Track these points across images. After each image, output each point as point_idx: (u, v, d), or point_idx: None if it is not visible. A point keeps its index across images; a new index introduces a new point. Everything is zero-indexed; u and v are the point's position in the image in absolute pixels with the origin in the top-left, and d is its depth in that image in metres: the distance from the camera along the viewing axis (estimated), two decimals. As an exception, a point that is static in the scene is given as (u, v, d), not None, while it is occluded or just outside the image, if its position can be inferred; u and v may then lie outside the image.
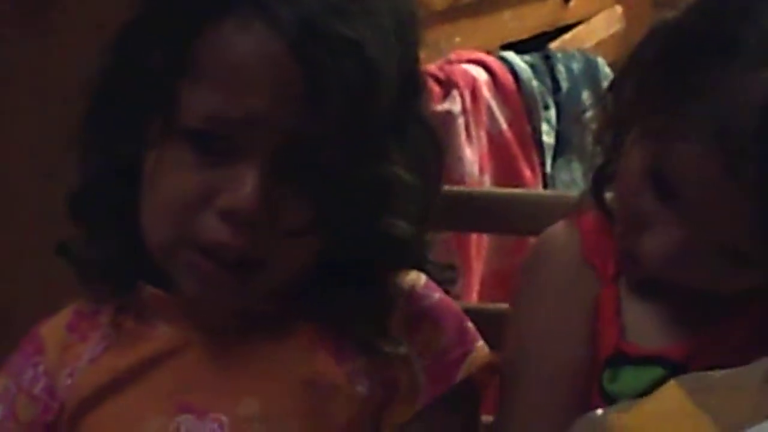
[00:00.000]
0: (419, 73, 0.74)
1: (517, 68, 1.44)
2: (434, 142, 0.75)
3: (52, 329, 0.78)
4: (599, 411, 0.57)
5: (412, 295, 0.79)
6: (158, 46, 0.69)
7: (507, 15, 1.63)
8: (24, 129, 1.32)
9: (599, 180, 0.81)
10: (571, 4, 1.82)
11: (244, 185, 0.66)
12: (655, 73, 0.75)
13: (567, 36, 1.73)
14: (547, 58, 1.57)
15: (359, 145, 0.67)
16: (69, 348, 0.77)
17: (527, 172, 1.42)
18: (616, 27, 1.94)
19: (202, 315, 0.75)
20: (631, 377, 0.78)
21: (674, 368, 0.75)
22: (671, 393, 0.54)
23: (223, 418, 0.74)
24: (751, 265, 0.72)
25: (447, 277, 0.81)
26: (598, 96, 1.39)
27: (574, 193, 0.96)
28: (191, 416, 0.75)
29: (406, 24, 0.71)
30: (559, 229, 0.84)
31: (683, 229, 0.72)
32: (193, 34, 0.67)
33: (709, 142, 0.68)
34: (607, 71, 1.62)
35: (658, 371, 0.76)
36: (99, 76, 0.73)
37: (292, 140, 0.67)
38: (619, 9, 1.95)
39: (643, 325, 0.79)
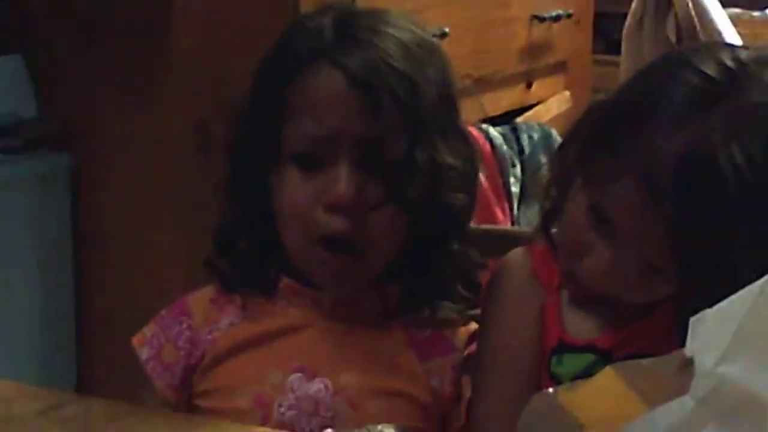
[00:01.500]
0: (455, 99, 0.91)
1: (492, 137, 1.60)
2: (469, 145, 0.91)
3: (198, 300, 0.95)
4: (550, 389, 0.61)
5: (472, 339, 0.94)
6: (263, 104, 0.87)
7: (485, 98, 1.82)
8: (141, 184, 1.66)
9: (547, 220, 0.94)
10: (532, 90, 2.07)
11: (339, 183, 0.80)
12: (595, 136, 0.89)
13: (529, 113, 1.94)
14: (515, 130, 1.73)
15: (412, 141, 0.83)
16: (210, 315, 0.94)
17: (500, 215, 1.57)
18: (565, 106, 2.13)
19: (323, 303, 0.90)
20: (570, 362, 0.93)
21: (602, 355, 0.90)
22: (607, 376, 0.58)
23: (327, 383, 0.89)
24: (664, 279, 0.84)
25: (482, 263, 0.96)
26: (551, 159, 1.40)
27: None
28: (302, 376, 0.90)
29: (438, 60, 0.89)
30: (514, 254, 0.97)
31: (614, 252, 0.85)
32: (285, 88, 0.84)
33: (637, 184, 0.81)
34: (558, 140, 1.68)
35: (590, 357, 0.92)
36: (229, 135, 0.92)
37: (362, 144, 0.82)
38: (567, 93, 2.17)
39: (579, 324, 0.94)
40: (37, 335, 1.72)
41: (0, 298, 1.61)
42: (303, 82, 0.86)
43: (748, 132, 0.87)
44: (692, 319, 0.52)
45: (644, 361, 0.58)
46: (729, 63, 0.89)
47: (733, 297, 0.50)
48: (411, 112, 0.85)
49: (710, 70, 0.88)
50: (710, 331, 0.50)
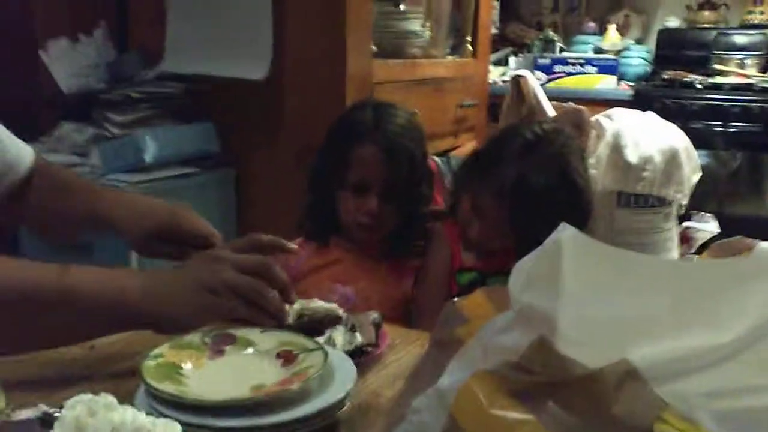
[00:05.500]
0: (426, 152, 1.44)
1: (438, 162, 1.96)
2: (432, 173, 1.49)
3: (298, 242, 1.39)
4: (455, 299, 0.75)
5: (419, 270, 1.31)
6: (336, 161, 1.38)
7: (435, 143, 2.49)
8: (271, 183, 2.33)
9: (453, 208, 1.43)
10: (458, 139, 2.86)
11: (372, 202, 1.34)
12: (472, 166, 1.38)
13: (455, 151, 2.50)
14: (448, 159, 2.09)
15: (409, 184, 1.36)
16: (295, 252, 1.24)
17: (441, 201, 1.73)
18: (472, 148, 2.27)
19: (353, 248, 1.39)
20: (465, 276, 1.40)
21: (479, 273, 1.38)
22: (479, 294, 0.75)
23: (354, 287, 1.38)
24: (504, 237, 1.32)
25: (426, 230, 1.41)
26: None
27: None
28: (340, 285, 1.39)
29: (419, 127, 1.42)
30: (438, 225, 1.45)
31: (482, 225, 1.33)
32: (346, 154, 1.36)
33: (493, 195, 1.30)
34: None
35: (474, 273, 1.40)
36: (314, 168, 1.42)
37: (385, 184, 1.33)
38: (474, 142, 2.89)
39: (467, 257, 1.41)
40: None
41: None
42: (358, 151, 1.36)
43: (547, 166, 1.30)
44: (513, 268, 0.61)
45: (495, 288, 0.72)
46: (538, 131, 1.34)
47: (529, 254, 0.60)
48: (408, 167, 1.36)
49: (528, 134, 1.34)
50: (517, 275, 0.61)
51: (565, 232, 0.59)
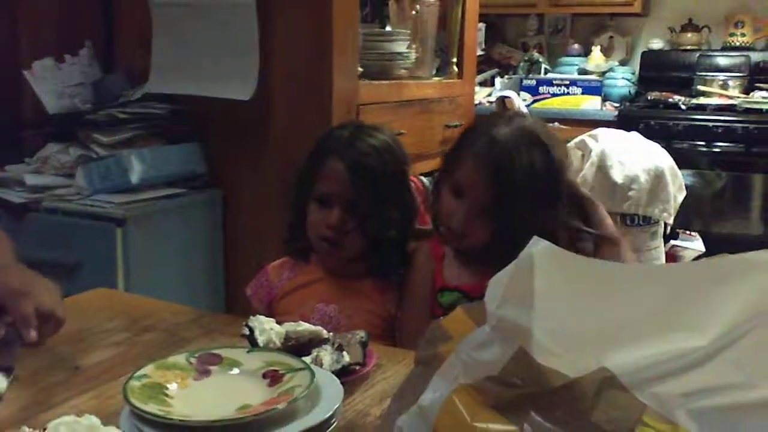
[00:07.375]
0: (407, 173, 1.37)
1: (423, 182, 1.85)
2: (412, 194, 1.39)
3: (273, 266, 1.43)
4: (440, 318, 0.75)
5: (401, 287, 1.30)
6: (307, 174, 1.35)
7: (421, 164, 2.48)
8: (256, 203, 2.28)
9: (434, 222, 1.37)
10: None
11: (334, 215, 1.31)
12: (446, 161, 1.33)
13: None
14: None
15: (375, 205, 1.30)
16: (277, 272, 1.42)
17: (428, 219, 1.55)
18: None
19: (330, 268, 1.37)
20: (446, 296, 1.34)
21: (463, 293, 1.31)
22: (459, 311, 0.74)
23: (336, 306, 1.35)
24: (489, 218, 1.23)
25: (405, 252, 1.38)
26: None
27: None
28: (323, 304, 1.36)
29: (397, 151, 1.36)
30: (421, 244, 1.41)
31: (465, 206, 1.25)
32: (315, 168, 1.34)
33: (470, 163, 1.26)
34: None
35: (456, 294, 1.34)
36: (292, 187, 1.38)
37: (349, 199, 1.30)
38: None
39: (450, 277, 1.35)
40: (200, 291, 2.30)
41: (179, 268, 2.23)
42: (326, 164, 1.35)
43: (520, 132, 1.28)
44: (489, 282, 0.61)
45: (474, 304, 0.70)
46: (509, 114, 1.44)
47: (504, 269, 0.60)
48: (373, 187, 1.33)
49: (500, 116, 1.35)
50: (493, 289, 0.61)
51: (538, 245, 0.59)
